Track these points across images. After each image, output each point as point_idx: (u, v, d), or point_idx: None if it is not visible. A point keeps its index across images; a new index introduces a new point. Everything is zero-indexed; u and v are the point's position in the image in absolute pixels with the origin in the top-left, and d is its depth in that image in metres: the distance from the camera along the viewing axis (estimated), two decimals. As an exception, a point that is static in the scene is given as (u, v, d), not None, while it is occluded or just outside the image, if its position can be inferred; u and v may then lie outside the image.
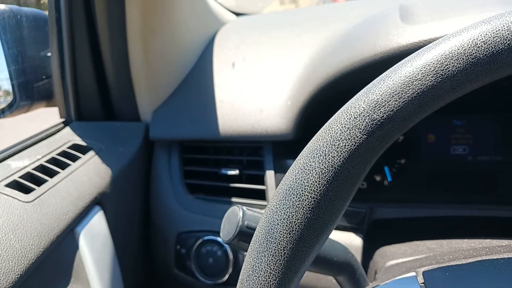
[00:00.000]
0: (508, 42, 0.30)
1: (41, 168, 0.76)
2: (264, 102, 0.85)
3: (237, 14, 1.35)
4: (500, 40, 0.30)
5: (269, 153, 0.85)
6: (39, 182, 0.72)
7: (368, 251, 0.69)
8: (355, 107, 0.33)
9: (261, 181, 0.85)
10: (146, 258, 0.93)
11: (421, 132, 0.83)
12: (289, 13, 1.18)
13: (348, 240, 0.75)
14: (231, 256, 0.83)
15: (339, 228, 0.78)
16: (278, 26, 1.04)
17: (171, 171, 0.90)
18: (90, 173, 0.79)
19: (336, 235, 0.77)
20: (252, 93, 0.87)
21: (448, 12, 0.65)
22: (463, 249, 0.49)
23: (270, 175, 0.84)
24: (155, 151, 0.93)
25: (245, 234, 0.47)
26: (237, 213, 0.48)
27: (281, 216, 0.33)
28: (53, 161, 0.79)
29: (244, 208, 0.49)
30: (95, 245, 0.74)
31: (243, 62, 0.94)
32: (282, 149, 0.85)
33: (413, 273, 0.41)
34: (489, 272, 0.38)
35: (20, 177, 0.71)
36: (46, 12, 0.90)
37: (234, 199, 0.87)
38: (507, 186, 0.79)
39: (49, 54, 0.93)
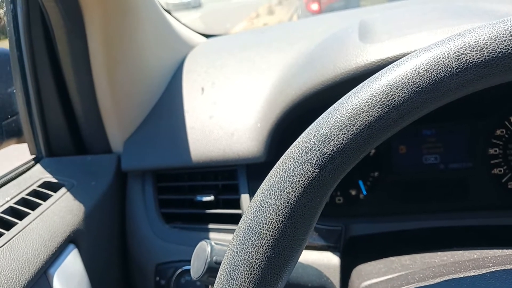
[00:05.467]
0: (449, 69, 0.31)
1: (10, 211, 0.74)
2: (234, 126, 0.85)
3: (207, 36, 1.36)
4: (442, 67, 0.31)
5: (243, 176, 0.85)
6: (9, 225, 0.71)
7: (346, 270, 0.69)
8: (306, 141, 0.33)
9: (237, 205, 0.85)
10: (125, 293, 0.91)
11: (393, 144, 0.84)
12: (257, 32, 1.19)
13: (326, 260, 0.75)
14: (210, 286, 0.82)
15: (316, 247, 0.77)
16: (246, 48, 1.04)
17: (146, 201, 0.89)
18: (62, 211, 0.78)
19: (313, 255, 0.77)
20: (222, 118, 0.87)
21: (405, 29, 0.66)
22: (435, 265, 0.49)
23: (245, 198, 0.83)
24: (128, 182, 0.92)
25: (214, 270, 0.46)
26: (205, 248, 0.47)
27: (241, 256, 0.33)
28: (22, 202, 0.77)
29: (213, 242, 0.48)
30: (70, 285, 0.72)
31: (212, 87, 0.94)
32: (256, 171, 0.85)
33: (383, 297, 0.41)
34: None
35: (-12, 222, 0.69)
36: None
37: (211, 226, 0.86)
38: (479, 191, 0.80)
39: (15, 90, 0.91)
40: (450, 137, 0.82)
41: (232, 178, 0.87)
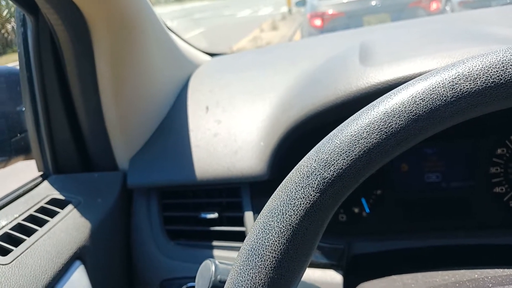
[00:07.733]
0: (444, 98, 0.32)
1: (19, 227, 0.76)
2: (238, 144, 0.86)
3: (212, 55, 1.39)
4: (437, 96, 0.32)
5: (247, 194, 0.86)
6: (17, 242, 0.72)
7: (349, 288, 0.70)
8: (307, 166, 0.34)
9: (241, 222, 0.86)
10: (130, 309, 0.92)
11: (394, 162, 0.85)
12: (260, 52, 1.22)
13: (329, 278, 0.76)
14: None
15: (319, 266, 0.78)
16: (250, 68, 1.07)
17: (151, 218, 0.90)
18: (69, 228, 0.79)
19: (316, 273, 0.77)
20: (226, 136, 0.89)
21: (404, 52, 0.68)
22: (436, 285, 0.50)
23: (248, 216, 0.84)
24: (133, 199, 0.94)
25: (218, 289, 0.47)
26: (210, 267, 0.48)
27: (244, 277, 0.34)
28: (30, 218, 0.79)
29: (217, 262, 0.49)
30: (76, 302, 0.73)
31: (216, 106, 0.96)
32: (259, 189, 0.86)
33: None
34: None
35: (-2, 238, 0.71)
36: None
37: (215, 243, 0.87)
38: (480, 210, 0.81)
39: (24, 108, 0.94)
40: (452, 156, 0.83)
41: (236, 195, 0.88)
